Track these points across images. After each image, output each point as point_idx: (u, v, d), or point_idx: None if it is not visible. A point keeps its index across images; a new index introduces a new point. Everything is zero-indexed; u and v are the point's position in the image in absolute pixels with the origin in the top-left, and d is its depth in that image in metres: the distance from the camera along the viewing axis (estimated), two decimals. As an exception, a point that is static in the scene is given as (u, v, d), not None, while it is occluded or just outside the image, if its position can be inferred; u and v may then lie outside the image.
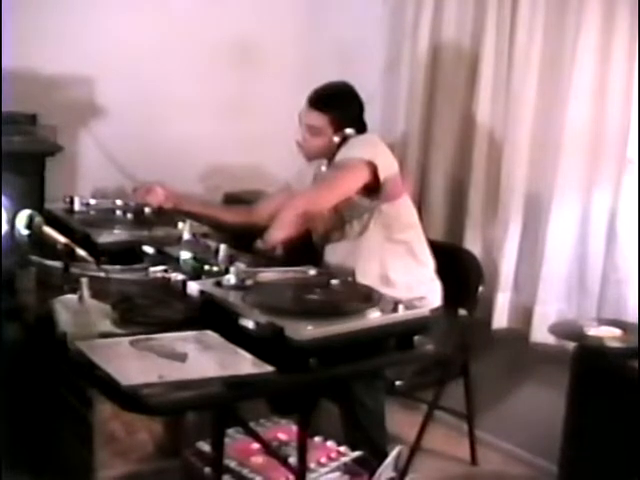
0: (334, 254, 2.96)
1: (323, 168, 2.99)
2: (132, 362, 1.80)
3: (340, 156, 2.85)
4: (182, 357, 1.83)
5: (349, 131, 2.91)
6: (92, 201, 2.99)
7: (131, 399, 1.69)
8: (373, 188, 2.84)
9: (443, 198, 3.70)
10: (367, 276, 2.86)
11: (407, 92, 3.75)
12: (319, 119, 2.92)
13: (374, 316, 2.03)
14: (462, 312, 3.05)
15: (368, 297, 2.14)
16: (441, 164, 3.68)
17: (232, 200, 3.51)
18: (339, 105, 2.94)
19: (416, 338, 2.05)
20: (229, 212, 3.17)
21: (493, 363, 3.47)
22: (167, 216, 2.89)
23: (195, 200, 3.10)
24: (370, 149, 2.86)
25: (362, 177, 2.81)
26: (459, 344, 3.09)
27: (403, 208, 2.95)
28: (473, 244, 3.52)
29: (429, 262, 3.01)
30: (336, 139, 2.90)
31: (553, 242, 3.28)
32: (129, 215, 2.87)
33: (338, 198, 2.82)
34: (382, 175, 2.82)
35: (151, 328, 1.98)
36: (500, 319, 3.45)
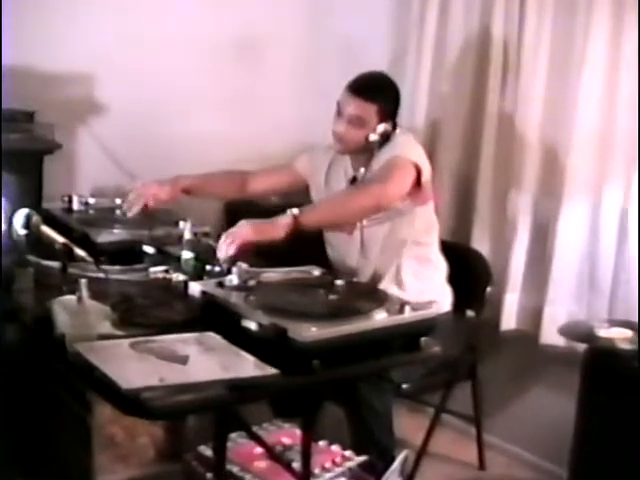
0: (347, 250, 2.94)
1: (362, 170, 2.92)
2: (132, 364, 1.80)
3: (388, 154, 2.81)
4: (183, 359, 1.83)
5: (387, 126, 2.85)
6: (91, 200, 2.99)
7: (131, 402, 1.69)
8: (411, 191, 2.81)
9: (450, 196, 3.69)
10: (381, 276, 2.87)
11: (413, 88, 3.74)
12: (365, 109, 2.82)
13: (380, 317, 2.03)
14: (470, 313, 3.04)
15: (374, 297, 2.14)
16: (448, 161, 3.67)
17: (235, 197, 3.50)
18: (385, 96, 2.88)
19: (423, 340, 2.05)
20: (220, 183, 3.12)
21: (501, 365, 3.47)
22: (168, 213, 2.89)
23: (186, 181, 2.99)
24: (415, 150, 2.85)
25: (412, 178, 2.78)
26: (467, 346, 3.08)
27: (429, 212, 2.94)
28: (481, 243, 3.51)
29: (443, 267, 3.01)
30: (376, 136, 2.83)
31: (563, 241, 3.27)
32: (129, 214, 2.87)
33: (401, 196, 2.78)
34: (423, 179, 2.81)
35: (151, 330, 1.98)
36: (508, 320, 3.44)
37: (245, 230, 2.40)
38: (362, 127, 2.83)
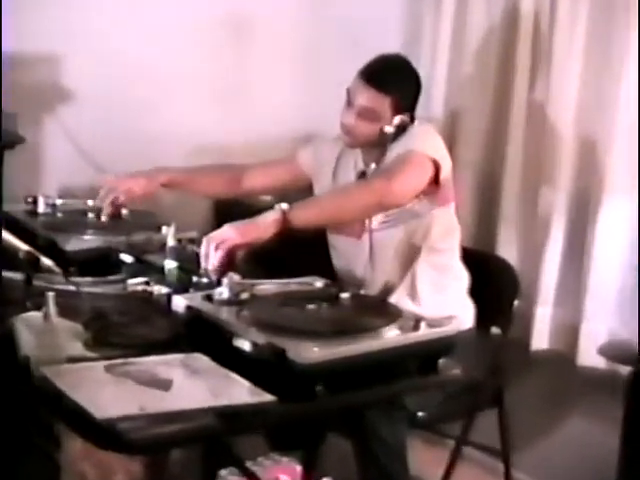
0: (354, 258, 2.95)
1: (373, 166, 2.93)
2: (107, 391, 1.81)
3: (401, 147, 2.81)
4: (166, 384, 1.84)
5: (405, 118, 2.84)
6: (59, 201, 3.00)
7: (106, 434, 1.69)
8: (427, 190, 2.82)
9: (472, 196, 3.70)
10: (393, 288, 2.88)
11: (429, 74, 3.76)
12: (379, 101, 2.81)
13: (391, 335, 2.03)
14: (495, 330, 3.04)
15: (384, 312, 2.15)
16: (469, 156, 3.69)
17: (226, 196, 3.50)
18: (403, 85, 2.86)
19: (441, 361, 2.05)
20: (209, 178, 3.11)
21: (532, 390, 3.48)
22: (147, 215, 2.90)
23: (167, 174, 2.99)
24: (434, 144, 2.84)
25: (427, 176, 2.77)
26: (492, 368, 3.08)
27: (450, 214, 2.94)
28: (508, 250, 3.52)
29: (464, 277, 3.01)
30: (391, 128, 2.83)
31: (603, 248, 3.29)
32: (103, 218, 2.87)
33: (411, 195, 2.78)
34: (442, 176, 2.81)
35: (130, 351, 1.99)
36: (540, 338, 3.45)
37: (228, 233, 2.41)
38: (374, 120, 2.83)
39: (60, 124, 3.43)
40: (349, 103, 2.85)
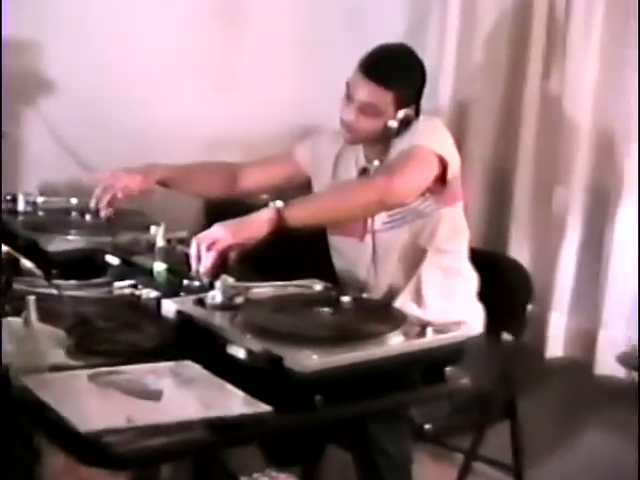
0: (356, 259, 2.96)
1: (376, 163, 2.93)
2: (92, 402, 1.81)
3: (405, 143, 2.81)
4: (155, 395, 1.84)
5: (409, 111, 2.84)
6: (40, 199, 3.00)
7: (91, 448, 1.69)
8: (434, 188, 2.81)
9: (482, 194, 3.70)
10: (398, 291, 2.88)
11: (435, 62, 3.76)
12: (381, 96, 2.80)
13: (395, 342, 2.03)
14: (506, 336, 3.05)
15: (388, 318, 2.15)
16: (479, 150, 3.69)
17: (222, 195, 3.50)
18: (406, 79, 2.85)
19: (448, 370, 2.06)
20: (205, 177, 3.12)
21: (546, 401, 3.48)
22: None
23: (162, 171, 3.00)
24: (440, 139, 2.84)
25: (433, 173, 2.77)
26: (503, 377, 3.09)
27: (458, 213, 2.94)
28: (519, 251, 3.52)
29: (473, 280, 3.01)
30: (394, 123, 2.83)
31: (622, 250, 3.28)
32: (87, 217, 2.88)
33: (414, 193, 2.77)
34: (450, 173, 2.81)
35: (116, 359, 1.98)
36: (555, 346, 3.45)
37: (218, 233, 2.40)
38: (376, 116, 2.82)
39: (41, 116, 3.42)
40: (349, 97, 2.84)
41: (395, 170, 2.71)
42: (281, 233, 2.44)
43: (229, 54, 3.76)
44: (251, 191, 3.16)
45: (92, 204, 2.86)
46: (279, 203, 2.45)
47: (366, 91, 2.80)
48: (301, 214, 2.51)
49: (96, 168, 3.35)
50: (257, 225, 2.43)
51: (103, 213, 2.84)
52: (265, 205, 2.47)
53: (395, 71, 2.83)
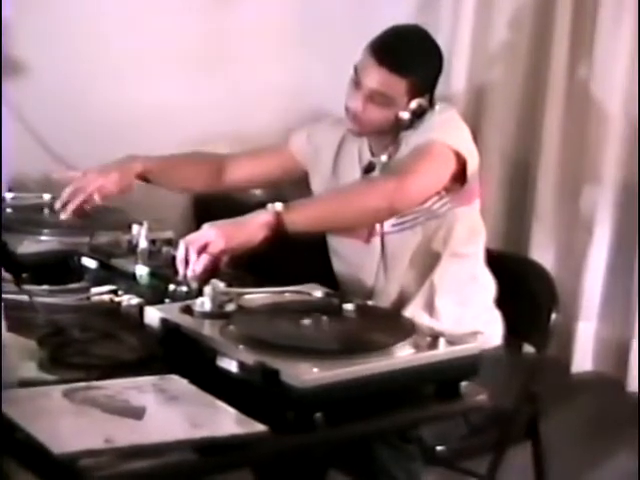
0: (362, 264, 2.96)
1: (383, 158, 2.93)
2: (67, 421, 1.81)
3: (418, 138, 2.80)
4: (137, 412, 1.84)
5: (423, 101, 2.82)
6: (9, 195, 3.01)
7: (66, 472, 1.69)
8: (450, 186, 2.81)
9: (501, 190, 3.71)
10: (408, 299, 2.89)
11: (449, 43, 3.76)
12: (393, 84, 2.78)
13: (404, 354, 2.04)
14: (528, 349, 3.06)
15: (396, 327, 2.15)
16: (497, 142, 3.70)
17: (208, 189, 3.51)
18: (423, 65, 2.84)
19: (463, 385, 2.06)
20: (189, 169, 3.13)
21: (573, 420, 3.48)
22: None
23: (142, 164, 3.00)
24: (458, 134, 2.84)
25: (449, 172, 2.77)
26: (524, 393, 3.09)
27: (474, 214, 2.95)
28: (543, 254, 3.53)
29: (491, 286, 3.02)
30: (406, 114, 2.82)
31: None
32: (62, 216, 2.88)
33: (428, 195, 2.78)
34: (469, 171, 2.80)
35: (93, 372, 1.99)
36: (582, 359, 3.46)
37: (210, 236, 2.41)
38: (387, 106, 2.81)
39: (7, 104, 3.42)
40: (357, 84, 2.82)
41: (407, 171, 2.71)
42: (278, 238, 2.45)
43: (218, 36, 3.77)
44: (240, 185, 3.16)
45: (57, 205, 2.87)
46: (278, 206, 2.46)
47: (377, 78, 2.79)
48: (302, 219, 2.52)
49: (70, 161, 3.36)
50: (253, 229, 2.43)
51: (63, 216, 2.84)
52: (261, 204, 2.48)
53: (410, 57, 2.82)
